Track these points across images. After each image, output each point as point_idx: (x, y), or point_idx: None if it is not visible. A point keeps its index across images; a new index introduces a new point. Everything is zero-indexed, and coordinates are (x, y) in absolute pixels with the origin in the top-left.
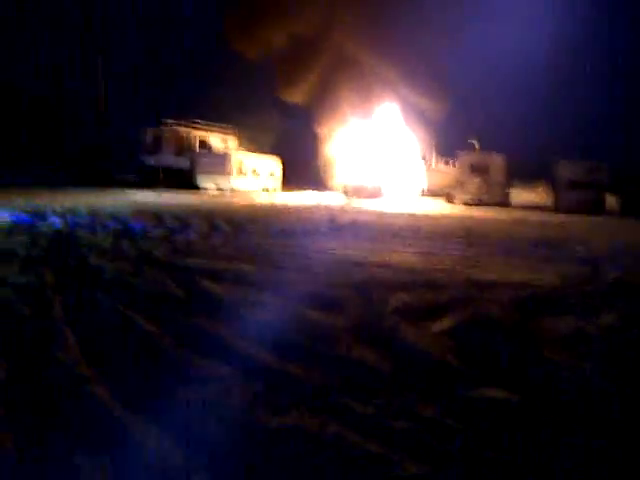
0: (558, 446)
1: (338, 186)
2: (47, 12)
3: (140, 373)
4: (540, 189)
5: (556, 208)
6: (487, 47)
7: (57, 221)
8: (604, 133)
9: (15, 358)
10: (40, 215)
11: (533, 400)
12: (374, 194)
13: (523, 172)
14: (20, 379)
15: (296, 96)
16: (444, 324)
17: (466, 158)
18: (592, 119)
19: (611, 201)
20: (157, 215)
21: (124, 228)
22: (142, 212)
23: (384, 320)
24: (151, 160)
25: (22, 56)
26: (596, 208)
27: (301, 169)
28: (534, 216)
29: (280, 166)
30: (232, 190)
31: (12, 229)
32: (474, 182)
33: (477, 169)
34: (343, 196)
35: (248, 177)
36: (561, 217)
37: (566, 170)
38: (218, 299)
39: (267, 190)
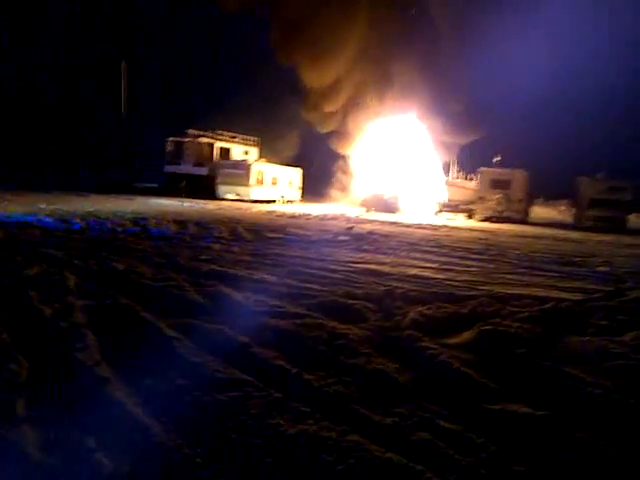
0: (582, 462)
1: (357, 199)
2: (72, 17)
3: (157, 375)
4: (563, 206)
5: (577, 225)
6: (512, 65)
7: (80, 225)
8: (630, 151)
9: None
10: (64, 220)
11: (556, 416)
12: (393, 208)
13: (547, 189)
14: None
15: (323, 124)
16: (464, 337)
17: (487, 173)
18: (618, 137)
19: (633, 219)
20: (180, 222)
21: (147, 234)
22: (165, 219)
23: (403, 332)
24: (173, 169)
25: (46, 62)
26: (617, 226)
27: (321, 181)
28: (555, 233)
29: (300, 177)
30: (253, 200)
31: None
32: (494, 197)
33: (498, 184)
34: (362, 209)
35: (268, 187)
36: (582, 234)
37: (588, 188)
38: (238, 306)
39: (287, 201)
